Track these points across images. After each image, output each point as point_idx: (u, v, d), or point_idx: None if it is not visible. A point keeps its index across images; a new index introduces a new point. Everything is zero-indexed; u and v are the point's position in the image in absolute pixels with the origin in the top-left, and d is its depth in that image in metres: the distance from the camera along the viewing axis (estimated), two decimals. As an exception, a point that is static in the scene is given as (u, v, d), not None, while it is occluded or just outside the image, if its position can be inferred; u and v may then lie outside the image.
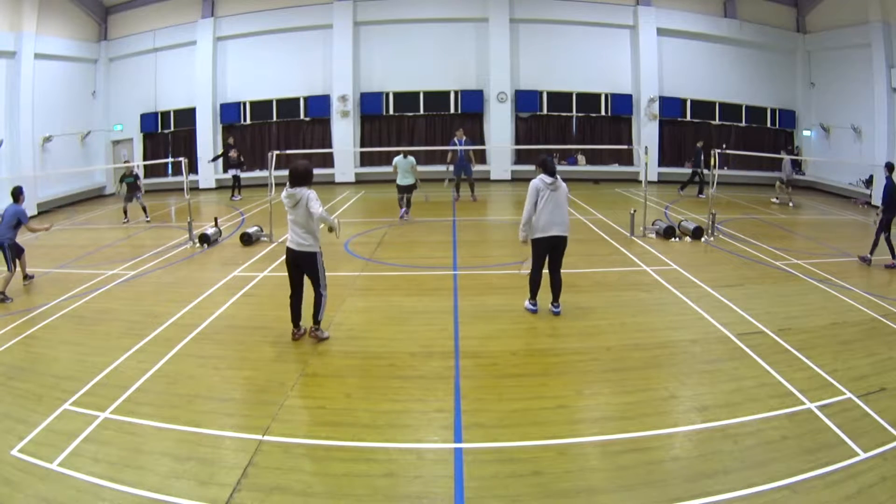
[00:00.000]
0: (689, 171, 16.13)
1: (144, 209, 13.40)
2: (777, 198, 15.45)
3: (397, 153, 12.38)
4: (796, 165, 18.75)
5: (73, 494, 3.48)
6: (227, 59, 18.95)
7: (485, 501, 3.40)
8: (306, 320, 5.88)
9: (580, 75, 18.66)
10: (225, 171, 17.54)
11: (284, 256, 5.80)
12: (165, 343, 5.78)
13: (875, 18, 15.38)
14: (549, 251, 6.29)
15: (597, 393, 4.78)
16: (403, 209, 12.22)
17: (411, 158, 12.10)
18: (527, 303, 6.55)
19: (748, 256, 9.14)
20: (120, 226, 13.01)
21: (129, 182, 13.30)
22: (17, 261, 7.94)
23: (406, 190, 12.12)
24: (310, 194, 5.48)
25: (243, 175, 16.94)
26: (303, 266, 5.70)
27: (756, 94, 19.09)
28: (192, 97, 18.71)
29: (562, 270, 6.38)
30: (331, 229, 5.56)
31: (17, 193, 8.11)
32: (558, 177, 6.22)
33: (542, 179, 6.16)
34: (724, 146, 10.57)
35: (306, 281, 5.79)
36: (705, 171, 15.61)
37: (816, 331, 5.96)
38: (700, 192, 15.86)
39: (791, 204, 15.01)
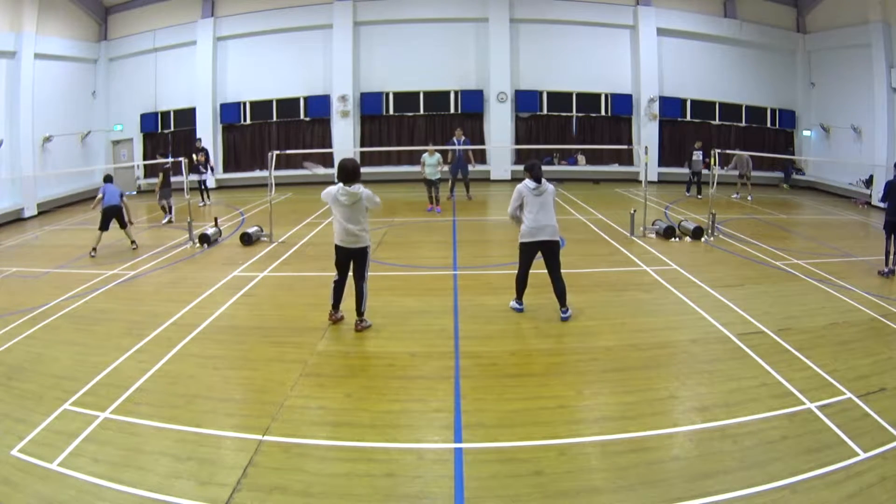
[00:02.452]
0: (695, 172, 15.78)
1: (169, 208, 13.08)
2: (738, 193, 15.70)
3: (398, 153, 12.73)
4: (791, 166, 18.84)
5: (73, 494, 3.48)
6: (227, 59, 18.95)
7: (485, 501, 3.40)
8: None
9: (580, 75, 18.65)
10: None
11: (334, 254, 6.03)
12: (165, 343, 5.78)
13: (875, 18, 15.39)
14: (536, 255, 6.28)
15: (597, 393, 4.78)
16: (431, 205, 13.32)
17: (438, 156, 13.15)
18: (512, 302, 6.55)
19: (748, 256, 9.14)
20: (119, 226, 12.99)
21: (164, 169, 13.15)
22: (124, 229, 10.32)
23: (434, 184, 13.14)
24: (367, 193, 5.83)
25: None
26: (354, 259, 5.95)
27: (756, 94, 19.09)
28: (192, 97, 18.71)
29: (562, 270, 6.35)
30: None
31: (111, 178, 10.59)
32: (544, 181, 6.23)
33: (526, 185, 6.21)
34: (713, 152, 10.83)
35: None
36: (704, 172, 15.50)
37: (816, 331, 5.96)
38: (693, 191, 15.77)
39: (749, 198, 15.31)
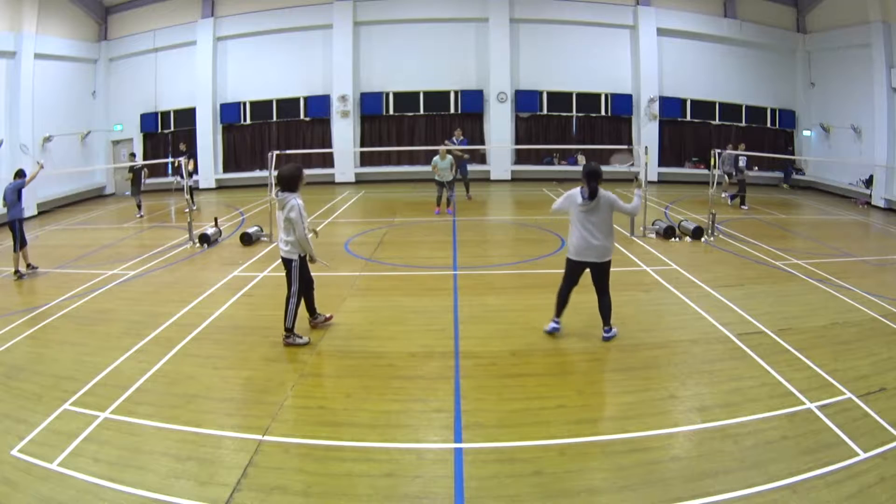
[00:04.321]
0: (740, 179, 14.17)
1: (139, 205, 13.84)
2: (726, 192, 15.23)
3: (398, 153, 12.54)
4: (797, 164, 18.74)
5: (73, 494, 3.48)
6: (227, 59, 18.96)
7: (485, 501, 3.40)
8: (326, 308, 6.28)
9: (580, 75, 18.65)
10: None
11: None
12: (165, 343, 5.78)
13: (875, 18, 15.38)
14: (581, 274, 5.64)
15: (597, 393, 4.78)
16: (439, 208, 12.93)
17: (450, 157, 12.70)
18: (550, 324, 5.78)
19: (748, 256, 9.14)
20: (120, 226, 13.03)
21: (136, 169, 13.97)
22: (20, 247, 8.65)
23: (445, 186, 12.78)
24: (295, 206, 5.47)
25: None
26: (284, 268, 5.74)
27: (756, 94, 19.09)
28: (192, 97, 18.71)
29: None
30: (310, 259, 5.74)
31: (19, 173, 9.15)
32: (601, 193, 5.37)
33: (580, 194, 5.42)
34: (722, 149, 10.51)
35: (313, 274, 5.97)
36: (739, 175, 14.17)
37: (816, 331, 5.96)
38: (739, 200, 14.19)
39: (729, 196, 14.89)
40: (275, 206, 11.00)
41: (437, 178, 12.72)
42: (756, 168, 14.97)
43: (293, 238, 5.58)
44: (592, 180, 5.33)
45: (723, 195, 15.20)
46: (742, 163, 14.13)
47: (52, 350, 5.79)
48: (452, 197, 13.16)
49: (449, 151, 13.37)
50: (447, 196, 12.89)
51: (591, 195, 5.35)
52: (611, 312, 5.70)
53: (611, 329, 5.73)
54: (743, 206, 13.94)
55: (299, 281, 5.70)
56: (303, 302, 5.87)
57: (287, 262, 5.68)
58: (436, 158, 12.71)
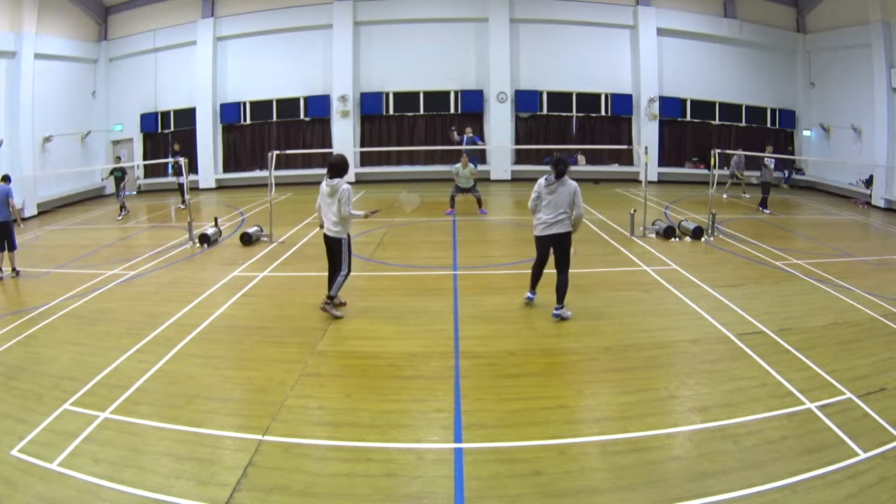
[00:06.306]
0: (764, 181, 13.75)
1: (122, 206, 14.05)
2: (726, 194, 15.42)
3: (398, 153, 12.52)
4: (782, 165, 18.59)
5: (73, 494, 3.48)
6: (227, 59, 18.95)
7: (485, 501, 3.40)
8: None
9: (580, 75, 18.65)
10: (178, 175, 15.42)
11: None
12: (165, 343, 5.78)
13: (875, 18, 15.37)
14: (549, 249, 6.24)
15: (597, 393, 4.78)
16: (451, 209, 12.95)
17: (471, 166, 12.70)
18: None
19: (748, 256, 9.14)
20: (120, 226, 13.02)
21: (118, 176, 14.34)
22: (10, 250, 8.75)
23: (468, 191, 12.79)
24: (346, 189, 6.08)
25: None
26: (332, 248, 6.36)
27: (756, 94, 19.08)
28: (192, 97, 18.71)
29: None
30: (366, 216, 6.38)
31: (7, 178, 9.16)
32: (566, 178, 6.13)
33: (545, 179, 6.19)
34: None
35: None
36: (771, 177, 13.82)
37: (816, 331, 5.96)
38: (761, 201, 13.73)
39: (725, 196, 15.17)
40: (274, 206, 11.18)
41: (458, 184, 12.65)
42: (776, 174, 14.70)
43: (340, 218, 6.14)
44: (561, 164, 6.09)
45: (724, 195, 15.28)
46: (770, 164, 13.79)
47: (52, 350, 5.80)
48: (478, 195, 13.00)
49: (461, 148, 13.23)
50: (477, 197, 12.80)
51: (559, 174, 6.08)
52: (563, 293, 6.17)
53: (558, 309, 6.18)
54: (764, 210, 13.41)
55: (341, 262, 6.31)
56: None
57: (337, 241, 6.26)
58: (458, 166, 12.47)
